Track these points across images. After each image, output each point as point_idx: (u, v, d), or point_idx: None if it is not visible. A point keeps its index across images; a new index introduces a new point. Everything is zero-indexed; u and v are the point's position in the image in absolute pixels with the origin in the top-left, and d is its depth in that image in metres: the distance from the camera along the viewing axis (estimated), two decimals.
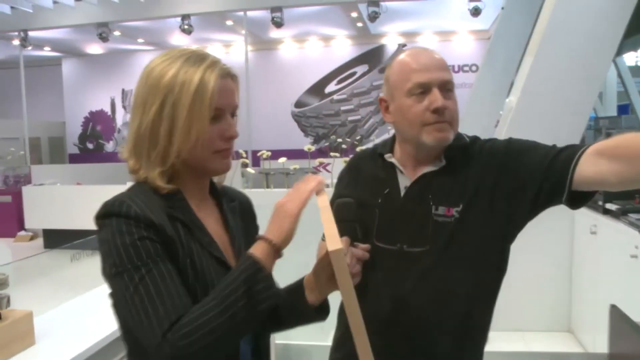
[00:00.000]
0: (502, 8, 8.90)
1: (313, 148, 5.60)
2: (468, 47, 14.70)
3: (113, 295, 1.08)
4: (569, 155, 1.35)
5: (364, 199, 1.50)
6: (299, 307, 1.25)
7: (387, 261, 1.44)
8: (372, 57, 15.24)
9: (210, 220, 1.22)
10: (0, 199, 10.36)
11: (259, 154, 6.22)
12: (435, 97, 1.41)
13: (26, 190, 9.51)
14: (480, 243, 1.43)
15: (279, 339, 3.17)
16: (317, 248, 1.53)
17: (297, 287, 1.26)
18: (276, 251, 1.10)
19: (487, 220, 1.43)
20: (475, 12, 10.24)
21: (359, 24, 13.78)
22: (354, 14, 12.74)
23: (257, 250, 1.09)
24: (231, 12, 11.69)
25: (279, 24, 10.71)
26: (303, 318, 1.26)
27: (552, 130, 4.19)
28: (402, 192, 1.49)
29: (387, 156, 1.53)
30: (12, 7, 11.26)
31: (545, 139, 1.52)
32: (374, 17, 10.47)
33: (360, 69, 15.21)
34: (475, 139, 1.56)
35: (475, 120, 9.51)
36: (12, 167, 11.09)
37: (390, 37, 15.11)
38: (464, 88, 13.74)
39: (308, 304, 1.23)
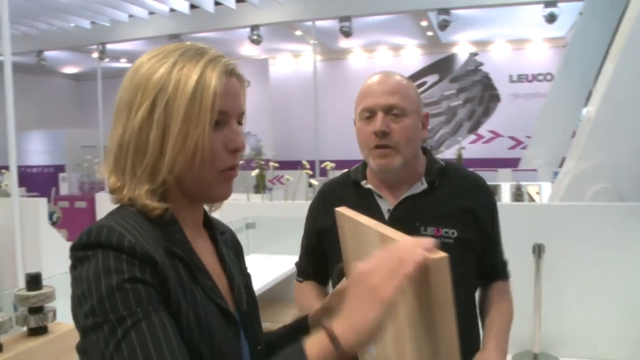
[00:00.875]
0: (580, 13, 8.51)
1: None
2: (542, 55, 14.17)
3: (86, 351, 0.83)
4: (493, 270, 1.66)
5: None
6: None
7: None
8: (443, 67, 14.94)
9: (206, 258, 0.98)
10: (76, 205, 10.74)
11: (322, 165, 6.15)
12: (376, 121, 1.48)
13: (99, 197, 9.81)
14: (471, 263, 1.55)
15: None
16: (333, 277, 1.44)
17: (300, 328, 1.06)
18: (341, 354, 0.76)
19: (476, 243, 1.55)
20: (551, 18, 9.81)
21: (429, 33, 13.54)
22: (424, 23, 12.52)
23: (314, 346, 0.78)
24: (300, 22, 11.73)
25: (347, 34, 10.64)
26: None
27: (635, 142, 3.90)
28: (386, 216, 1.54)
29: (364, 183, 1.59)
30: (92, 22, 11.75)
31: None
32: (444, 25, 10.23)
33: (431, 79, 14.93)
34: (450, 162, 1.65)
35: (550, 132, 9.15)
36: (88, 174, 11.50)
37: (461, 46, 14.77)
38: (538, 98, 13.28)
39: None
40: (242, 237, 3.91)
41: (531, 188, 6.43)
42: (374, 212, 1.52)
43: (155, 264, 0.82)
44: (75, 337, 1.91)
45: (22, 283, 3.28)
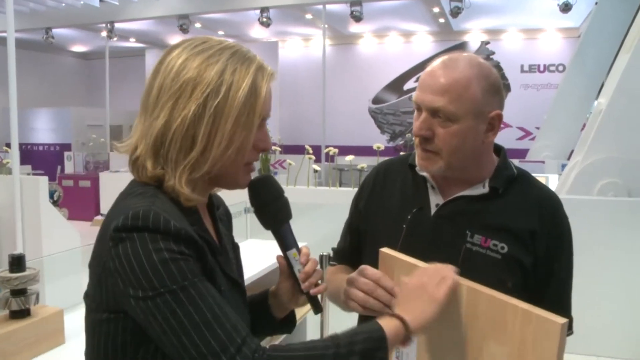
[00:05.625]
0: (596, 3, 8.35)
1: (382, 147, 5.42)
2: (555, 45, 13.97)
3: (148, 320, 0.88)
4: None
5: (391, 212, 1.39)
6: (264, 319, 1.20)
7: None
8: None
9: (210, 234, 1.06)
10: (81, 184, 10.74)
11: (325, 150, 6.07)
12: (418, 121, 1.31)
13: (103, 176, 9.80)
14: (515, 288, 1.26)
15: None
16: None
17: (262, 300, 1.21)
18: (407, 336, 1.00)
19: (528, 267, 1.31)
20: (566, 8, 9.64)
21: (441, 20, 13.38)
22: (436, 9, 12.36)
23: (388, 326, 0.98)
24: (310, 6, 11.59)
25: (358, 18, 10.52)
26: (268, 329, 1.23)
27: None
28: (433, 211, 1.36)
29: (419, 169, 1.38)
30: (100, 0, 11.66)
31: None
32: (456, 12, 10.09)
33: None
34: (523, 172, 1.43)
35: (560, 123, 9.03)
36: (93, 153, 11.48)
37: (473, 34, 14.59)
38: (549, 89, 13.12)
39: (274, 317, 1.20)
40: (241, 222, 3.85)
41: None
42: (423, 203, 1.37)
43: (197, 245, 0.91)
44: (59, 321, 1.85)
45: None
